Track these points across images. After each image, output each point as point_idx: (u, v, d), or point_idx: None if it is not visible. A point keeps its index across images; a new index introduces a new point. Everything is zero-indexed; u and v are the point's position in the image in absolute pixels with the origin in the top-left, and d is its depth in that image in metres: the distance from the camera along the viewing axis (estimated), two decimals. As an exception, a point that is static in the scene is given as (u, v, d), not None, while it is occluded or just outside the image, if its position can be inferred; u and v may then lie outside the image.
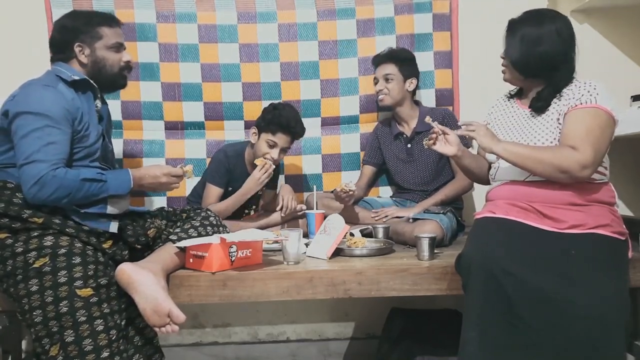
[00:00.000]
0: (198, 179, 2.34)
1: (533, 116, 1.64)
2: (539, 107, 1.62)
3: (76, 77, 1.59)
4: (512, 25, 1.64)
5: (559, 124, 1.57)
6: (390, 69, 2.29)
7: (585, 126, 1.49)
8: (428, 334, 1.94)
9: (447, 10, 2.47)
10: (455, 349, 1.41)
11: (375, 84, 2.33)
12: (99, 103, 1.68)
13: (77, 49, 1.63)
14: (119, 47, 1.68)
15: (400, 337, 2.01)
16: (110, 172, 1.59)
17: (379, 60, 2.33)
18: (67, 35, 1.64)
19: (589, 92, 1.53)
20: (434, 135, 1.68)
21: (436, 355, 1.78)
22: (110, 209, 1.56)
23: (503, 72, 1.69)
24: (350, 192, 2.10)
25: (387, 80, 2.28)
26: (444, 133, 1.67)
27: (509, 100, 1.78)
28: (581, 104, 1.52)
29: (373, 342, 2.38)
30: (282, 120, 2.12)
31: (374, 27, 2.46)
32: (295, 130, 2.17)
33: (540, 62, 1.58)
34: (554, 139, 1.57)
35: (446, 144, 1.68)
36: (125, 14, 2.34)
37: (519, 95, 1.75)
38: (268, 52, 2.44)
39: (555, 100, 1.60)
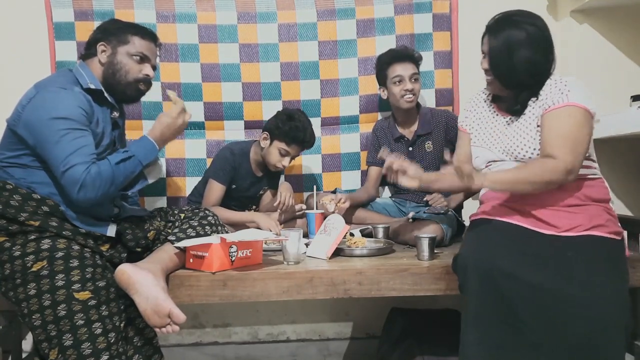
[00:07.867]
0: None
1: (511, 123, 1.61)
2: (516, 110, 1.60)
3: (92, 86, 1.58)
4: (491, 34, 1.56)
5: (539, 130, 1.53)
6: (415, 68, 2.24)
7: (562, 129, 1.46)
8: (428, 334, 1.93)
9: (447, 10, 2.47)
10: (455, 349, 1.40)
11: (396, 82, 2.22)
12: (116, 113, 1.67)
13: (99, 48, 1.63)
14: (142, 59, 1.65)
15: (400, 337, 2.01)
16: (132, 145, 1.60)
17: (401, 58, 2.24)
18: (98, 35, 1.65)
19: (560, 90, 1.50)
20: (391, 168, 1.59)
21: (436, 355, 1.78)
22: (151, 179, 1.63)
23: (488, 83, 1.62)
24: (342, 203, 2.06)
25: (415, 80, 2.23)
26: (402, 171, 1.58)
27: (488, 103, 1.72)
28: (554, 104, 1.49)
29: (373, 342, 2.38)
30: (299, 134, 2.13)
31: (373, 27, 2.47)
32: (309, 144, 2.20)
33: (524, 72, 1.53)
34: (534, 148, 1.54)
35: (409, 179, 1.59)
36: (125, 14, 2.34)
37: (496, 99, 1.70)
38: (268, 52, 2.44)
39: (531, 102, 1.57)
